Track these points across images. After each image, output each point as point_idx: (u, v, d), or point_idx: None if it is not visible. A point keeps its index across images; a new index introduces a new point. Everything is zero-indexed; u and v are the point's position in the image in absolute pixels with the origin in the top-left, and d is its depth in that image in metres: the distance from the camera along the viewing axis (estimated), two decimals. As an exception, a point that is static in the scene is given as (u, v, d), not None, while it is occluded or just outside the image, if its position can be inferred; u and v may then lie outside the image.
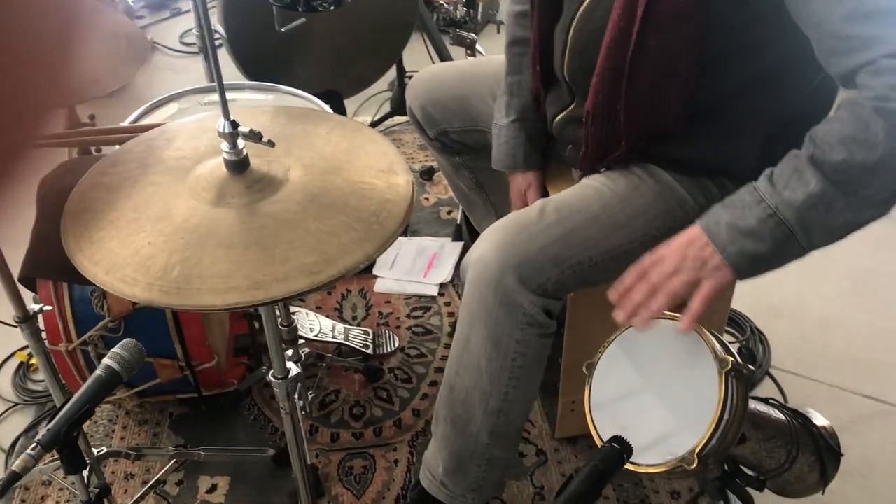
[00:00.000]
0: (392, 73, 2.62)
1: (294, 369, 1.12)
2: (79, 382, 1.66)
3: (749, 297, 1.58)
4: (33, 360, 1.96)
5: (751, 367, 1.07)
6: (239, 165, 0.90)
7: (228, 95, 1.51)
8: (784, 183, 1.06)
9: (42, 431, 1.07)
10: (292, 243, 0.85)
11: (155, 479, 1.62)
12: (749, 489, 1.25)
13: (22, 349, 1.99)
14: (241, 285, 0.81)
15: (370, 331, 1.97)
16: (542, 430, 1.76)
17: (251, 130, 0.88)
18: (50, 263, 1.56)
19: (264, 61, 2.28)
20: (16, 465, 1.05)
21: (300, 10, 1.79)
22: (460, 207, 2.23)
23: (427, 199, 2.45)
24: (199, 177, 0.92)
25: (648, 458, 1.07)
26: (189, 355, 1.64)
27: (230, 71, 2.21)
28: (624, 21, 1.15)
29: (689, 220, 1.26)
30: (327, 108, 1.41)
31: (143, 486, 1.67)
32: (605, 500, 1.61)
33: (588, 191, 1.33)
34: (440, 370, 1.88)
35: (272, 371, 1.11)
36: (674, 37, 1.13)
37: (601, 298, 1.49)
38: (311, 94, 1.77)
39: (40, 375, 1.94)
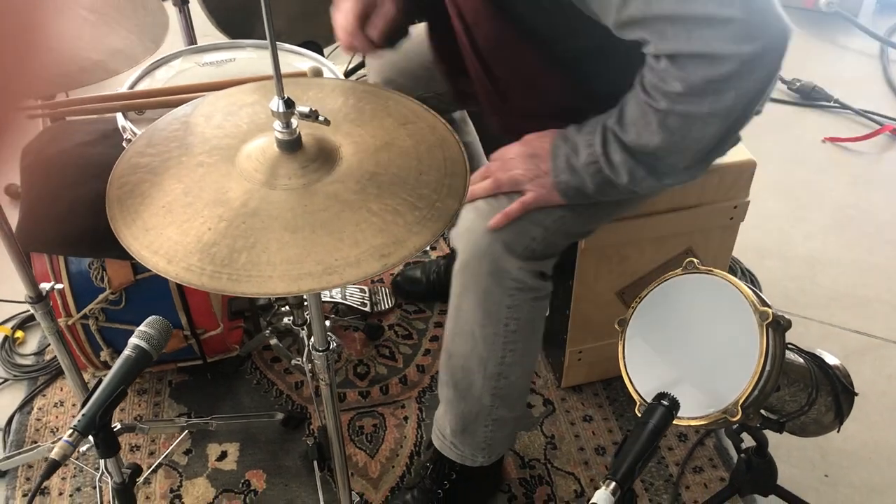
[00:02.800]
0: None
1: (333, 341, 1.11)
2: (79, 357, 1.62)
3: (738, 238, 1.62)
4: (19, 334, 1.90)
5: (787, 318, 1.10)
6: (293, 145, 0.87)
7: (228, 55, 1.46)
8: (607, 137, 1.13)
9: (77, 417, 1.04)
10: (359, 225, 0.83)
11: (167, 451, 1.60)
12: (766, 431, 1.31)
13: (4, 322, 1.92)
14: (315, 271, 0.79)
15: (366, 288, 1.96)
16: (547, 380, 1.79)
17: (309, 110, 0.85)
18: (44, 236, 1.50)
19: (236, 12, 2.19)
20: (54, 452, 1.02)
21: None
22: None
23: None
24: (248, 156, 0.89)
25: (689, 410, 1.10)
26: (194, 324, 1.61)
27: (200, 20, 2.12)
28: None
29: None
30: (337, 70, 1.37)
31: (149, 456, 1.66)
32: (613, 445, 1.65)
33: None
34: (440, 325, 1.89)
35: (313, 343, 1.10)
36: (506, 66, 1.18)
37: (610, 250, 1.52)
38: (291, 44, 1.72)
39: (27, 349, 1.89)
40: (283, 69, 1.40)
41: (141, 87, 1.32)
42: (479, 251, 1.23)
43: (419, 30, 1.61)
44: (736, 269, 1.98)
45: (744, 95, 1.03)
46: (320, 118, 0.86)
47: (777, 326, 1.08)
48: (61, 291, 1.52)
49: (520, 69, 1.20)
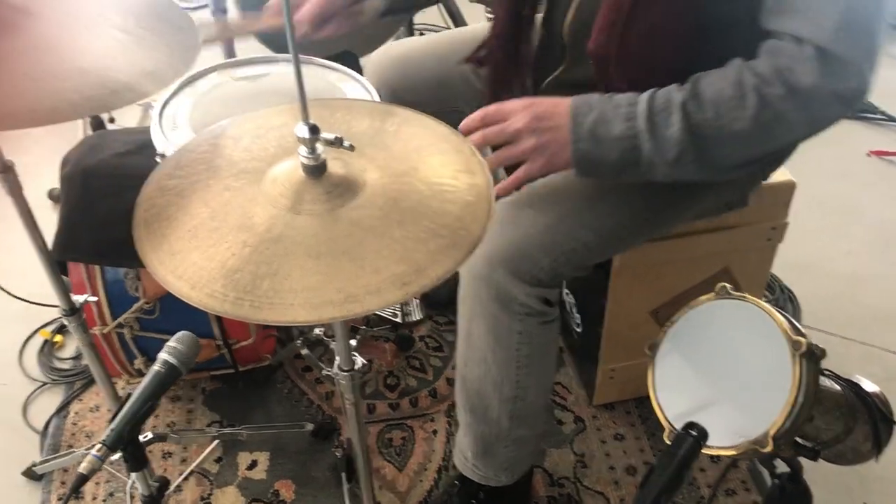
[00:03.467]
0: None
1: (359, 361, 1.10)
2: (113, 365, 1.65)
3: (777, 255, 1.58)
4: (58, 338, 1.93)
5: (822, 347, 1.07)
6: (317, 170, 0.87)
7: (262, 69, 1.47)
8: (656, 111, 1.07)
9: (106, 432, 1.06)
10: (380, 252, 0.83)
11: (199, 459, 1.62)
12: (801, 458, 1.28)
13: (44, 326, 1.96)
14: (335, 299, 0.79)
15: (398, 299, 1.96)
16: (578, 396, 1.77)
17: (334, 136, 0.84)
18: (81, 246, 1.52)
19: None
20: (82, 467, 1.03)
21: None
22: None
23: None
24: (274, 181, 0.89)
25: (719, 438, 1.08)
26: (227, 334, 1.63)
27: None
28: None
29: (684, 197, 1.27)
30: (372, 88, 1.37)
31: (181, 463, 1.68)
32: (644, 465, 1.63)
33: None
34: (471, 337, 1.88)
35: (337, 363, 1.10)
36: None
37: (644, 268, 1.49)
38: (326, 56, 1.72)
39: (66, 353, 1.93)
40: (317, 84, 1.41)
41: (174, 103, 1.34)
42: (482, 276, 1.21)
43: (441, 40, 1.60)
44: (774, 286, 1.94)
45: (829, 121, 1.03)
46: (345, 144, 0.86)
47: (811, 356, 1.05)
48: (97, 301, 1.54)
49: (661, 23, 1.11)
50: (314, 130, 0.85)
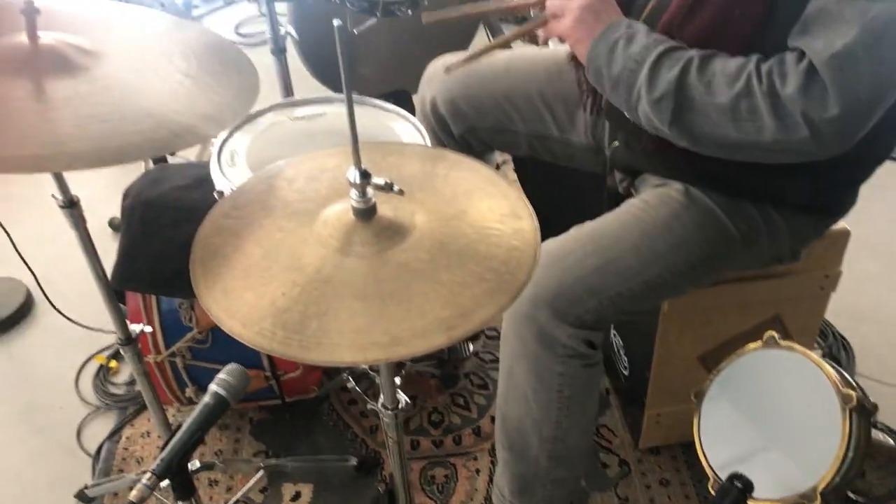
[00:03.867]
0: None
1: (403, 399, 1.12)
2: (165, 392, 1.69)
3: (830, 302, 1.55)
4: (113, 363, 1.99)
5: (874, 402, 1.05)
6: (367, 213, 0.89)
7: (318, 109, 1.51)
8: (669, 55, 1.09)
9: (156, 461, 1.08)
10: (427, 295, 0.84)
11: (244, 489, 1.64)
12: (853, 514, 1.24)
13: (101, 352, 2.02)
14: (381, 341, 0.80)
15: (445, 335, 1.97)
16: (624, 440, 1.75)
17: (384, 182, 0.87)
18: (139, 276, 1.57)
19: (334, 61, 2.26)
20: (132, 495, 1.06)
21: (377, 14, 1.76)
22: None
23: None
24: (325, 222, 0.91)
25: (765, 489, 1.06)
26: (275, 366, 1.65)
27: (296, 66, 2.20)
28: None
29: (731, 248, 1.27)
30: (422, 128, 1.40)
31: (227, 492, 1.70)
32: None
33: (627, 218, 1.29)
34: (517, 376, 1.88)
35: (381, 401, 1.11)
36: (732, 3, 1.08)
37: (693, 313, 1.48)
38: (379, 94, 1.75)
39: (120, 378, 1.98)
40: (368, 124, 1.44)
41: (230, 145, 1.38)
42: (525, 316, 1.22)
43: (511, 56, 1.60)
44: (828, 333, 1.90)
45: (797, 143, 1.03)
46: (395, 189, 0.88)
47: (862, 410, 1.03)
48: (152, 329, 1.58)
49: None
50: (365, 175, 0.87)
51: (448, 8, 1.36)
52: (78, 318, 1.96)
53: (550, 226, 1.32)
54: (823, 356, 1.85)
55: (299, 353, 0.81)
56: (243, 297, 0.86)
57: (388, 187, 0.88)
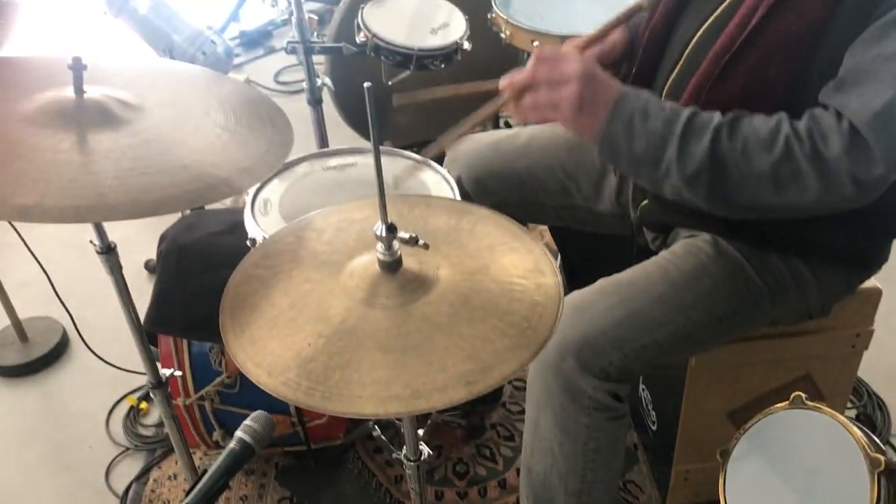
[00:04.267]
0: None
1: (426, 451, 1.12)
2: (193, 436, 1.70)
3: (866, 360, 1.52)
4: (143, 405, 2.01)
5: (903, 467, 1.03)
6: (393, 266, 0.91)
7: (350, 159, 1.54)
8: (695, 125, 1.08)
9: (181, 506, 1.10)
10: (448, 349, 0.85)
11: (267, 535, 1.64)
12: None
13: (131, 393, 2.05)
14: (402, 394, 0.81)
15: (471, 385, 1.97)
16: (651, 496, 1.73)
17: (410, 236, 0.89)
18: (172, 319, 1.60)
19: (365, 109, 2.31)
20: (157, 538, 1.07)
21: (411, 68, 1.81)
22: (559, 257, 2.22)
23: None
24: (351, 274, 0.93)
25: (790, 556, 1.04)
26: (302, 412, 1.66)
27: (332, 114, 2.25)
28: (735, 32, 1.12)
29: (758, 301, 1.26)
30: (451, 178, 1.42)
31: (251, 537, 1.70)
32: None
33: (653, 269, 1.29)
34: (543, 428, 1.86)
35: (404, 452, 1.11)
36: (766, 64, 1.09)
37: (721, 370, 1.47)
38: (413, 143, 1.79)
39: (150, 420, 2.00)
40: (398, 174, 1.47)
41: (264, 194, 1.42)
42: (551, 366, 1.22)
43: (529, 132, 1.63)
44: (863, 392, 1.87)
45: (841, 199, 1.04)
46: (420, 243, 0.90)
47: (891, 475, 1.01)
48: (182, 373, 1.61)
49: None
50: (391, 229, 0.89)
51: (418, 91, 1.42)
52: (111, 359, 2.00)
53: (585, 279, 1.33)
54: (858, 416, 1.82)
55: (322, 403, 0.82)
56: (269, 346, 0.87)
57: (412, 241, 0.89)
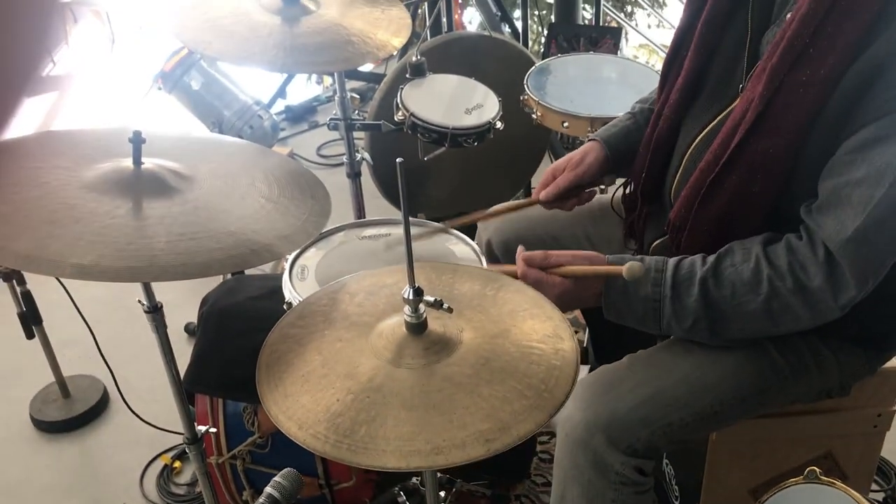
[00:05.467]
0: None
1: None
2: (224, 494, 1.75)
3: (893, 442, 1.52)
4: (177, 464, 2.06)
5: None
6: (419, 328, 0.97)
7: (384, 230, 1.62)
8: (680, 280, 1.18)
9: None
10: (468, 408, 0.90)
11: None
12: None
13: (166, 451, 2.10)
14: (423, 449, 0.86)
15: (497, 454, 1.99)
16: (674, 572, 1.71)
17: (434, 299, 0.95)
18: (209, 379, 1.67)
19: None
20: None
21: (445, 145, 1.90)
22: (587, 330, 2.25)
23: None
24: (380, 335, 1.00)
25: None
26: (329, 475, 1.70)
27: (370, 187, 2.35)
28: (718, 151, 1.20)
29: (780, 380, 1.30)
30: (479, 251, 1.49)
31: None
32: None
33: (678, 348, 1.33)
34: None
35: (425, 513, 1.15)
36: (749, 181, 1.16)
37: (743, 445, 1.48)
38: (447, 215, 1.85)
39: (183, 479, 2.05)
40: (430, 247, 1.54)
41: (302, 260, 1.50)
42: (581, 441, 1.25)
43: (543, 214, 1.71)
44: (890, 474, 1.85)
45: (830, 318, 1.15)
46: (444, 307, 0.96)
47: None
48: (216, 431, 1.67)
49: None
50: (418, 293, 0.95)
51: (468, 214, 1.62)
52: (149, 418, 2.06)
53: (613, 353, 1.38)
54: (885, 500, 1.80)
55: (348, 455, 0.87)
56: (301, 400, 0.93)
57: (437, 305, 0.96)
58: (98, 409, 2.24)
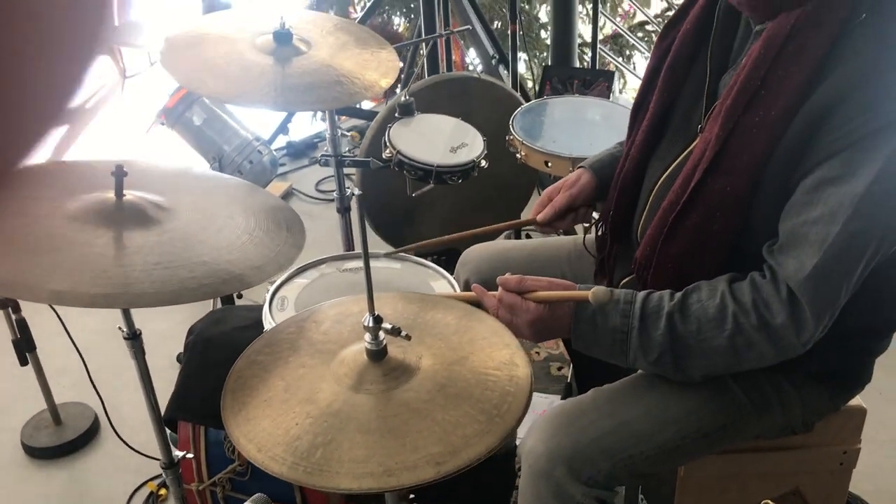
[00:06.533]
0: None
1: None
2: (204, 521, 1.77)
3: (871, 481, 1.53)
4: (163, 491, 2.09)
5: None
6: (379, 355, 1.01)
7: (360, 263, 1.67)
8: (648, 312, 1.20)
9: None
10: (422, 432, 0.94)
11: None
12: None
13: (153, 479, 2.13)
14: (376, 471, 0.90)
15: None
16: None
17: (392, 326, 0.99)
18: (193, 407, 1.70)
19: (394, 220, 2.47)
20: None
21: (431, 182, 1.95)
22: (571, 364, 2.28)
23: (538, 353, 2.52)
24: (342, 361, 1.04)
25: None
26: (307, 501, 1.73)
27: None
28: (679, 191, 1.24)
29: (742, 416, 1.33)
30: (455, 283, 1.53)
31: None
32: None
33: (642, 382, 1.36)
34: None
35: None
36: (710, 219, 1.20)
37: (711, 481, 1.50)
38: (434, 251, 1.90)
39: (167, 507, 2.07)
40: (409, 281, 1.59)
41: (283, 291, 1.54)
42: (543, 473, 1.27)
43: (535, 244, 1.75)
44: (864, 513, 1.86)
45: (792, 354, 1.18)
46: (402, 334, 1.00)
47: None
48: (197, 458, 1.70)
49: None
50: (377, 321, 1.00)
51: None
52: (137, 445, 2.09)
53: (599, 384, 1.41)
54: (861, 539, 1.81)
55: (303, 477, 0.91)
56: (262, 424, 0.97)
57: (395, 332, 1.00)
58: (88, 436, 2.27)
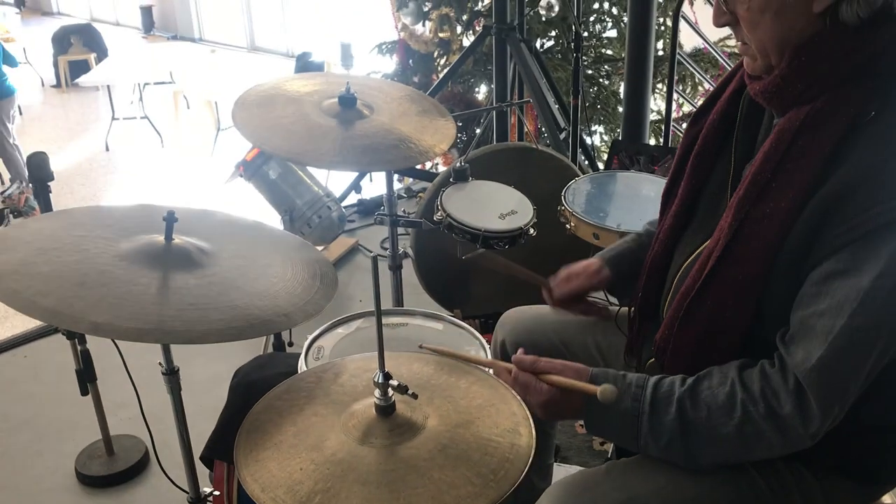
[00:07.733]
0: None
1: None
2: (231, 561, 1.81)
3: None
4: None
5: None
6: (387, 410, 1.05)
7: (402, 319, 1.72)
8: (659, 397, 1.20)
9: None
10: (416, 489, 0.96)
11: None
12: None
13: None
14: (367, 523, 0.93)
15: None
16: None
17: (399, 384, 1.03)
18: (227, 447, 1.76)
19: (446, 281, 2.52)
20: None
21: (479, 246, 2.00)
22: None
23: (581, 425, 2.49)
24: (352, 413, 1.08)
25: None
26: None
27: (413, 281, 2.46)
28: (696, 276, 1.24)
29: (758, 503, 1.28)
30: (486, 345, 1.56)
31: None
32: None
33: (658, 461, 1.33)
34: None
35: None
36: (723, 306, 1.20)
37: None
38: (484, 313, 1.93)
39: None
40: (439, 339, 1.62)
41: (320, 341, 1.60)
42: None
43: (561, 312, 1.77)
44: None
45: (800, 446, 1.16)
46: (409, 392, 1.04)
47: None
48: (229, 498, 1.75)
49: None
50: (387, 377, 1.04)
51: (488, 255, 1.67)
52: (183, 481, 2.16)
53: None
54: None
55: (299, 521, 0.95)
56: (268, 465, 1.02)
57: (402, 390, 1.03)
58: (138, 469, 2.36)
